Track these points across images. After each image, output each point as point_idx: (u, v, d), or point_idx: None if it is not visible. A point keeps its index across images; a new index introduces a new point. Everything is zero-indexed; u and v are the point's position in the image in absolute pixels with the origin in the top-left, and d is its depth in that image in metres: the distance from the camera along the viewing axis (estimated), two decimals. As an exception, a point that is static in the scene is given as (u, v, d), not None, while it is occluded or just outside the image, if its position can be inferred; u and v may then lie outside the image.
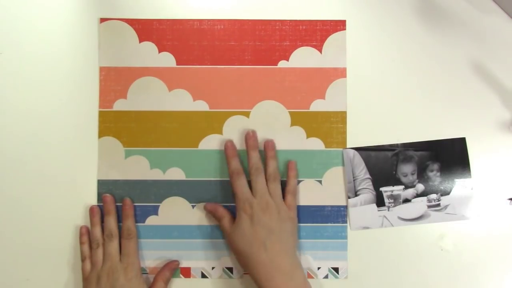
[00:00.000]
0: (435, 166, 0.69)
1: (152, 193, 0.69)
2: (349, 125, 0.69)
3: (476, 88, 0.70)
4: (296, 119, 0.70)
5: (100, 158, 0.69)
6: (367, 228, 0.68)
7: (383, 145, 0.69)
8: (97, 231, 0.67)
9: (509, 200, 0.68)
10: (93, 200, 0.69)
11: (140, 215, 0.69)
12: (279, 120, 0.69)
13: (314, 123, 0.69)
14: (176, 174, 0.69)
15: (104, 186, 0.69)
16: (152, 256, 0.68)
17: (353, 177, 0.69)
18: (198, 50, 0.70)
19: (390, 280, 0.68)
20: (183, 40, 0.70)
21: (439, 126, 0.69)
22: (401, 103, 0.70)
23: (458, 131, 0.69)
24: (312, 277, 0.68)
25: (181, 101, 0.70)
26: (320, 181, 0.69)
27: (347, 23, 0.70)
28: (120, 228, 0.67)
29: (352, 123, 0.69)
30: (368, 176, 0.69)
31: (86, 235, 0.68)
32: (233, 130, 0.69)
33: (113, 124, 0.69)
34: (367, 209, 0.69)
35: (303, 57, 0.70)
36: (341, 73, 0.70)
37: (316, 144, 0.69)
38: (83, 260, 0.67)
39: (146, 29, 0.70)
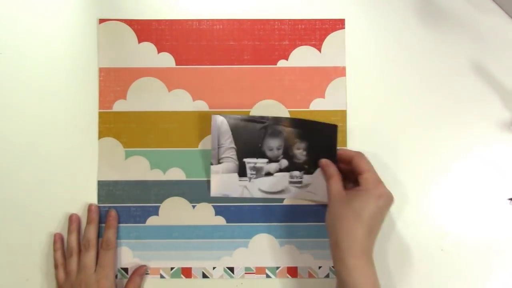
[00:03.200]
0: (303, 145, 0.68)
1: (153, 193, 0.69)
2: (349, 123, 0.69)
3: (476, 88, 0.69)
4: (296, 119, 0.70)
5: (100, 159, 0.69)
6: (226, 195, 0.68)
7: (254, 116, 0.69)
8: (73, 239, 0.67)
9: (509, 200, 0.68)
10: (93, 201, 0.69)
11: (141, 216, 0.69)
12: (279, 120, 0.69)
13: (314, 122, 0.69)
14: (176, 174, 0.69)
15: (104, 187, 0.69)
16: (153, 256, 0.69)
17: (218, 145, 0.68)
18: (197, 50, 0.70)
19: (390, 280, 0.68)
20: (182, 40, 0.70)
21: (438, 125, 0.69)
22: (400, 102, 0.70)
23: (458, 130, 0.69)
24: (313, 276, 0.68)
25: (181, 101, 0.70)
26: (320, 180, 0.69)
27: (346, 22, 0.70)
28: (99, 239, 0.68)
29: (352, 121, 0.69)
30: (233, 145, 0.68)
31: (59, 242, 0.68)
32: (233, 129, 0.69)
33: (113, 125, 0.69)
34: (229, 177, 0.68)
35: (302, 56, 0.70)
36: (340, 72, 0.70)
37: (316, 143, 0.69)
38: (56, 267, 0.67)
39: (145, 30, 0.70)
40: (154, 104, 0.70)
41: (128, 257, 0.69)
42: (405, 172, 0.69)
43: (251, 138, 0.68)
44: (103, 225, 0.68)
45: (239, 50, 0.70)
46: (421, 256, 0.68)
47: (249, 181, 0.68)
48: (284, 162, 0.68)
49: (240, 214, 0.69)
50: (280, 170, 0.68)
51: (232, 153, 0.68)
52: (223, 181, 0.68)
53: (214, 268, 0.69)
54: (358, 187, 0.61)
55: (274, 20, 0.70)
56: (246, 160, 0.68)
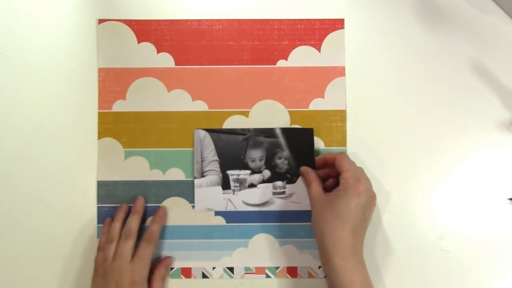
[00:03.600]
0: (284, 153, 0.69)
1: (152, 193, 0.69)
2: (349, 123, 0.69)
3: (476, 88, 0.69)
4: (296, 118, 0.69)
5: (100, 159, 0.69)
6: (211, 209, 0.69)
7: (235, 129, 0.69)
8: (117, 226, 0.66)
9: (509, 200, 0.68)
10: (93, 201, 0.69)
11: (141, 216, 0.69)
12: (279, 120, 0.69)
13: (313, 122, 0.69)
14: (176, 174, 0.69)
15: (104, 187, 0.69)
16: (152, 256, 0.68)
17: (201, 158, 0.69)
18: (196, 50, 0.70)
19: (390, 280, 0.68)
20: (182, 41, 0.70)
21: (438, 125, 0.69)
22: (400, 102, 0.70)
23: (457, 130, 0.69)
24: (313, 276, 0.68)
25: (180, 101, 0.70)
26: (320, 180, 0.69)
27: (345, 21, 0.70)
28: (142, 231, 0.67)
29: (351, 121, 0.69)
30: (216, 158, 0.69)
31: (107, 227, 0.67)
32: (233, 130, 0.70)
33: (112, 125, 0.69)
34: (212, 190, 0.69)
35: (301, 56, 0.70)
36: (340, 71, 0.70)
37: (316, 143, 0.69)
38: (98, 250, 0.66)
39: (144, 30, 0.70)
40: (153, 104, 0.70)
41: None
42: (404, 171, 0.69)
43: (233, 150, 0.69)
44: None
45: (238, 50, 0.70)
46: (420, 256, 0.68)
47: (233, 193, 0.69)
48: (267, 173, 0.69)
49: (239, 214, 0.69)
50: (263, 181, 0.69)
51: (216, 166, 0.69)
52: (207, 194, 0.69)
53: (214, 268, 0.69)
54: (337, 188, 0.62)
55: (274, 20, 0.70)
56: (229, 172, 0.69)
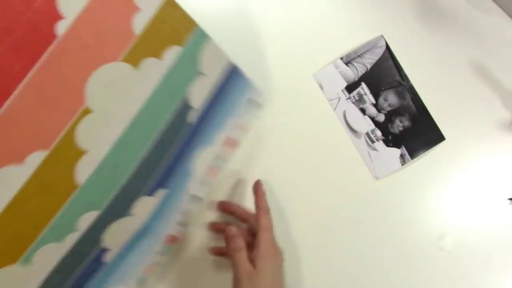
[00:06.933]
0: (407, 123, 0.69)
1: None
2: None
3: (476, 88, 0.69)
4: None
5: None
6: (320, 83, 0.69)
7: (402, 69, 0.69)
8: None
9: (509, 200, 0.68)
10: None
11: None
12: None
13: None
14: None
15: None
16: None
17: (360, 54, 0.69)
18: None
19: (391, 280, 0.68)
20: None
21: (438, 125, 0.69)
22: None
23: (457, 130, 0.69)
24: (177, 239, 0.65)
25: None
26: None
27: (347, 23, 0.70)
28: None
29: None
30: (368, 66, 0.69)
31: None
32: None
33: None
34: (338, 80, 0.69)
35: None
36: None
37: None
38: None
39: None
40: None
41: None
42: (404, 171, 0.69)
43: (383, 78, 0.70)
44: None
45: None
46: (420, 256, 0.68)
47: (345, 99, 0.69)
48: (381, 117, 0.69)
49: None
50: (373, 119, 0.69)
51: (360, 68, 0.70)
52: (332, 78, 0.69)
53: None
54: (257, 254, 0.55)
55: None
56: (363, 83, 0.69)
